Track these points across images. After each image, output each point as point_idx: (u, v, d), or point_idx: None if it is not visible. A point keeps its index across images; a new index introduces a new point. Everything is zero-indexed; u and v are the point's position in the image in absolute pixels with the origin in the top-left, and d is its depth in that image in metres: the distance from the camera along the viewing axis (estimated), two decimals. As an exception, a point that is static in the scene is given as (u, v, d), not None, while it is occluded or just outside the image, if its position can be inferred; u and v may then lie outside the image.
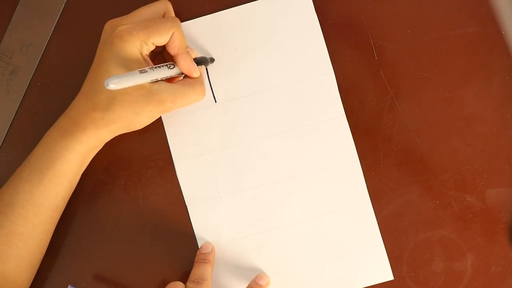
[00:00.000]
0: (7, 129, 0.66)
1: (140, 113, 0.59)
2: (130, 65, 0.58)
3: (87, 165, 0.63)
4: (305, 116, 0.66)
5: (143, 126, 0.62)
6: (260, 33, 0.67)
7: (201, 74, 0.63)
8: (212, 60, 0.66)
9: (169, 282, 0.61)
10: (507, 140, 0.65)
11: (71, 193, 0.63)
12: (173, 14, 0.64)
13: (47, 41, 0.67)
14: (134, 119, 0.60)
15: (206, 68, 0.66)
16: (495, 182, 0.65)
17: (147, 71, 0.58)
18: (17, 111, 0.67)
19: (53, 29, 0.67)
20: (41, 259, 0.63)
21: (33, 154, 0.60)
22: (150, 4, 0.62)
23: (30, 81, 0.67)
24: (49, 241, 0.63)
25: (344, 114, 0.66)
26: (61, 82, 0.67)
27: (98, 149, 0.63)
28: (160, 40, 0.60)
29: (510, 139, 0.65)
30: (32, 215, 0.59)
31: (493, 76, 0.66)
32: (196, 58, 0.64)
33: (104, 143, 0.62)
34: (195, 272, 0.62)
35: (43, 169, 0.59)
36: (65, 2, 0.67)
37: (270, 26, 0.67)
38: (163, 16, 0.63)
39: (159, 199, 0.66)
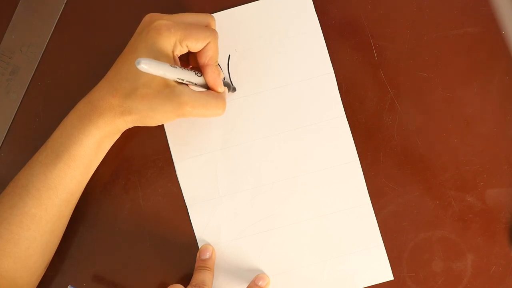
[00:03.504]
0: (7, 129, 0.66)
1: (157, 110, 0.59)
2: (160, 59, 0.58)
3: (104, 154, 0.62)
4: (305, 116, 0.66)
5: (157, 125, 0.61)
6: (260, 33, 0.67)
7: (223, 93, 0.63)
8: (234, 89, 0.66)
9: (169, 283, 0.61)
10: (507, 140, 0.65)
11: (87, 180, 0.62)
12: (214, 28, 0.64)
13: (47, 41, 0.67)
14: (150, 115, 0.60)
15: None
16: (495, 182, 0.65)
17: (177, 68, 0.58)
18: (17, 111, 0.67)
19: (53, 29, 0.67)
20: (57, 243, 0.62)
21: (51, 137, 0.61)
22: (195, 13, 0.63)
23: (30, 81, 0.67)
24: (65, 226, 0.62)
25: (344, 114, 0.66)
26: (61, 82, 0.67)
27: (115, 138, 0.62)
28: (195, 45, 0.60)
29: (510, 139, 0.65)
30: (45, 197, 0.59)
31: (493, 76, 0.66)
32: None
33: (120, 133, 0.62)
34: (196, 277, 0.62)
35: (59, 152, 0.59)
36: (65, 2, 0.67)
37: (270, 26, 0.67)
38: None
39: (159, 199, 0.66)
